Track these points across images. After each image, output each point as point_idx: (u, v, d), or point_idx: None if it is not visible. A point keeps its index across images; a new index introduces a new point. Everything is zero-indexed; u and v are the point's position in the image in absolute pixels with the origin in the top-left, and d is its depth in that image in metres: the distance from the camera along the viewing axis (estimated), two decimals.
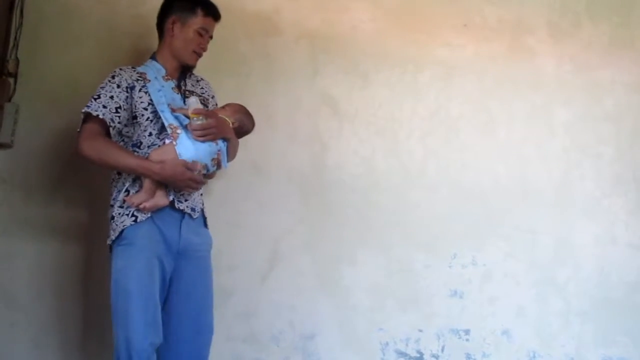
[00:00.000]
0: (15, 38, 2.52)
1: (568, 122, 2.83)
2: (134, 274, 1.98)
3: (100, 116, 2.03)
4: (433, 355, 2.66)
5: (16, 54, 2.52)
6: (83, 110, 2.05)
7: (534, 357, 2.69)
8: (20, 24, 2.52)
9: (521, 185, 2.77)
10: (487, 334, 2.68)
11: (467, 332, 2.68)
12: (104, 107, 2.04)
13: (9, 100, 2.49)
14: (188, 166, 2.04)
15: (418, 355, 2.65)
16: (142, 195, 2.02)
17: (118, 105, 2.06)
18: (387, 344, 2.64)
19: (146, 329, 1.95)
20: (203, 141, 2.05)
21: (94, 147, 2.02)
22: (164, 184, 2.04)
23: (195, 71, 2.32)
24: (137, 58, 2.60)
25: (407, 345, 2.65)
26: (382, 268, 2.67)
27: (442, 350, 2.66)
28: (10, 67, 2.50)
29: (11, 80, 2.51)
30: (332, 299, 2.63)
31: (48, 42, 2.56)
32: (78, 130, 2.07)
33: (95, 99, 2.05)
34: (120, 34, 2.60)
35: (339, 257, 2.65)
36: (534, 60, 2.85)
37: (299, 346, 2.59)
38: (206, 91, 2.32)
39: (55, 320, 2.46)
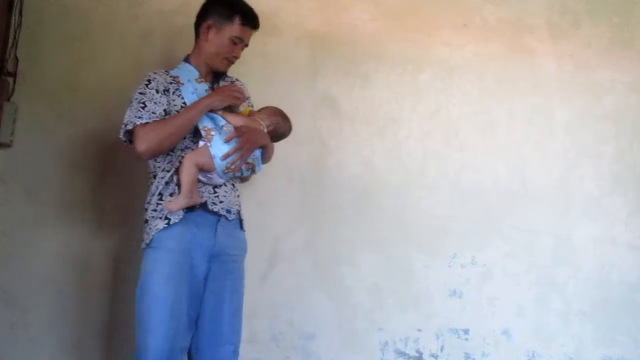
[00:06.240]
0: (15, 37, 2.51)
1: (568, 122, 2.83)
2: (161, 278, 1.95)
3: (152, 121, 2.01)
4: (432, 355, 2.66)
5: (15, 53, 2.51)
6: (137, 123, 1.99)
7: (534, 357, 2.69)
8: (20, 24, 2.52)
9: (521, 185, 2.77)
10: (487, 334, 2.69)
11: (466, 331, 2.68)
12: (153, 113, 2.01)
13: (8, 100, 2.49)
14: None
15: (417, 354, 2.65)
16: (180, 197, 1.98)
17: (164, 108, 2.04)
18: (386, 343, 2.64)
19: (168, 333, 1.92)
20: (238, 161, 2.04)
21: (148, 135, 1.98)
22: (196, 182, 2.01)
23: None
24: (135, 58, 2.60)
25: (406, 344, 2.65)
26: (382, 268, 2.67)
27: (442, 349, 2.66)
28: (10, 66, 2.50)
29: (10, 79, 2.50)
30: (332, 299, 2.64)
31: (47, 42, 2.55)
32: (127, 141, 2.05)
33: (142, 108, 2.01)
34: (119, 34, 2.60)
35: (339, 257, 2.66)
36: (534, 60, 2.84)
37: (299, 346, 2.59)
38: None
39: (55, 320, 2.46)
